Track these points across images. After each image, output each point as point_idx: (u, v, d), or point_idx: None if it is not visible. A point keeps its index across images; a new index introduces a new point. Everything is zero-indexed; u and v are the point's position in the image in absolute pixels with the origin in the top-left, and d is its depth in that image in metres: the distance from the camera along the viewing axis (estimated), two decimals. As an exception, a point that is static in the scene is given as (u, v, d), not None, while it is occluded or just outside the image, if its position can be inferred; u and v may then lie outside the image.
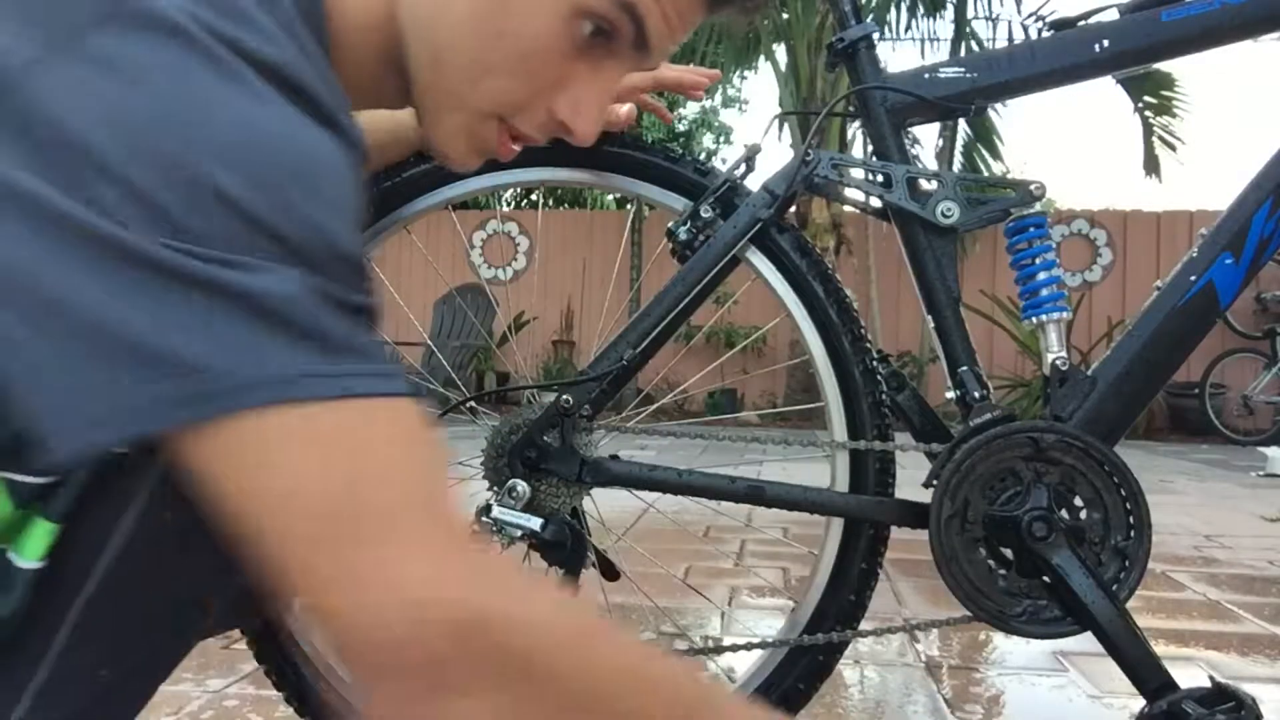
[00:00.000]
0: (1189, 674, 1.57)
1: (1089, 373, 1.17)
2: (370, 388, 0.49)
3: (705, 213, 1.19)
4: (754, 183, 1.20)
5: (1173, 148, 8.50)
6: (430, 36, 0.61)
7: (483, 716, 0.48)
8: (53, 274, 0.45)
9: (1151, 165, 8.59)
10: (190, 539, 0.56)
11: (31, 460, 0.51)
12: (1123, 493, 1.12)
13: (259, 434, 0.46)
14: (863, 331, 1.20)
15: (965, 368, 1.18)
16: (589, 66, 0.63)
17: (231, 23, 0.48)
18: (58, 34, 0.46)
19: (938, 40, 8.89)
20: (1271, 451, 5.86)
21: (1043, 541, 1.09)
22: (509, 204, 11.84)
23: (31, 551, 0.54)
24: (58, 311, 0.45)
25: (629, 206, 10.20)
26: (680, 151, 1.22)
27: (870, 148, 1.23)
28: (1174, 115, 8.41)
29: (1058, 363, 1.17)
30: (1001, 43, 8.61)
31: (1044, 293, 1.19)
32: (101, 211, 0.45)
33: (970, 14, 8.71)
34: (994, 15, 8.82)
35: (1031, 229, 1.19)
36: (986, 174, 8.31)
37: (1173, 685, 1.06)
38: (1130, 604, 1.11)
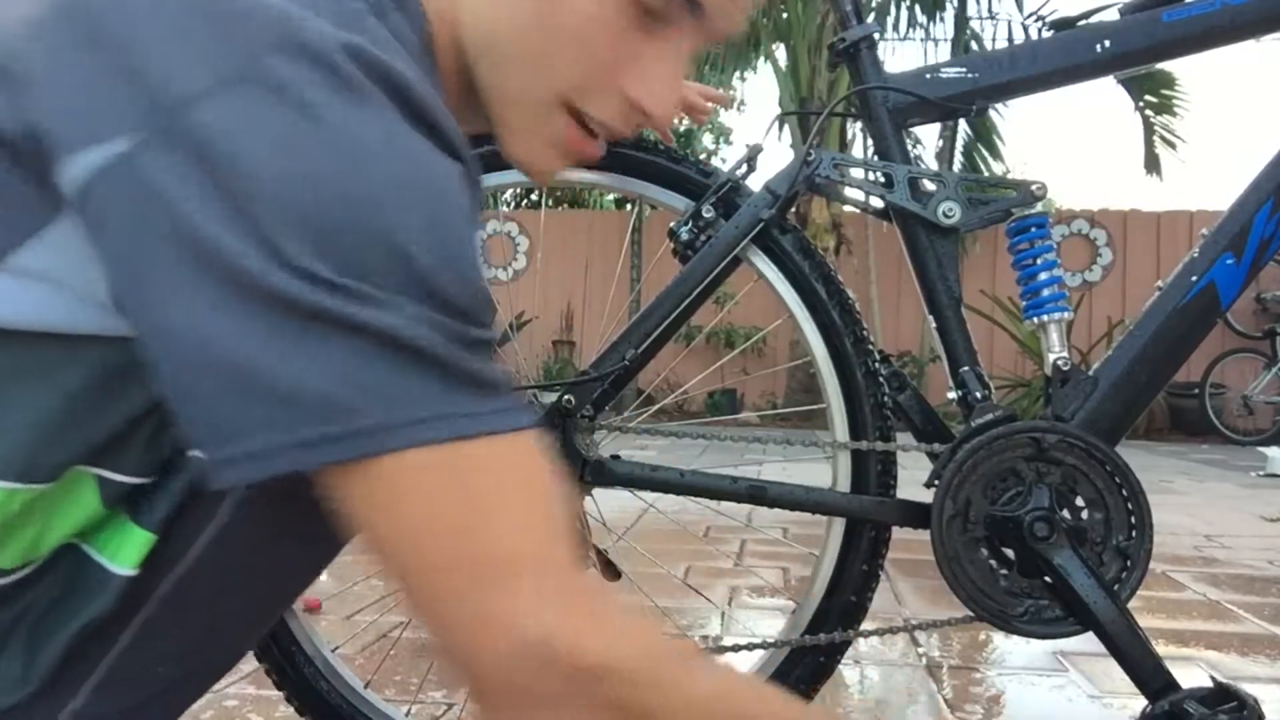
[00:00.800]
0: (1189, 674, 1.57)
1: (1090, 373, 1.17)
2: (502, 423, 0.51)
3: (707, 213, 1.19)
4: (755, 183, 1.21)
5: (1173, 146, 8.50)
6: (490, 41, 0.62)
7: None
8: (207, 314, 0.46)
9: (1152, 164, 8.59)
10: (262, 555, 0.59)
11: (124, 460, 0.53)
12: (1124, 493, 1.12)
13: (399, 473, 0.48)
14: (864, 332, 1.20)
15: (967, 368, 1.18)
16: (652, 44, 0.63)
17: (381, 51, 0.50)
18: (227, 67, 0.47)
19: (937, 41, 8.89)
20: (1271, 451, 5.85)
21: (1045, 541, 1.09)
22: (509, 204, 11.83)
23: (127, 559, 0.55)
24: (211, 350, 0.47)
25: (629, 207, 10.19)
26: (682, 152, 1.22)
27: (871, 148, 1.23)
28: (1174, 114, 8.41)
29: (1059, 363, 1.17)
30: (1002, 43, 8.61)
31: (1045, 293, 1.19)
32: (261, 248, 0.46)
33: (970, 14, 8.72)
34: (994, 15, 8.81)
35: (1033, 229, 1.19)
36: (987, 174, 8.31)
37: (1175, 685, 1.06)
38: (1130, 604, 1.11)
